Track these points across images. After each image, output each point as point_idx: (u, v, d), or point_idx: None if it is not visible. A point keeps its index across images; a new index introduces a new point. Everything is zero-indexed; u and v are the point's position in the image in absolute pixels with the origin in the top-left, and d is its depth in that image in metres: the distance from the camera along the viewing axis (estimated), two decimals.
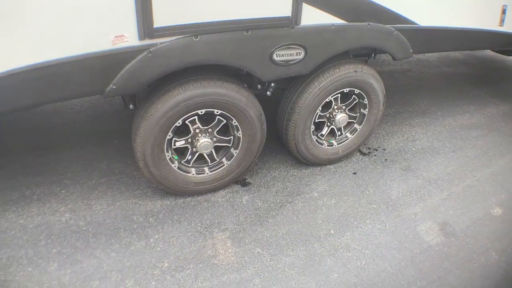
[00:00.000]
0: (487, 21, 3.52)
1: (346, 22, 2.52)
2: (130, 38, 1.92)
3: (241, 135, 2.61)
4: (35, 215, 2.50)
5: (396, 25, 2.75)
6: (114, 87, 1.99)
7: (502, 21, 3.67)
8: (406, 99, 4.38)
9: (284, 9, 2.25)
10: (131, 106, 2.45)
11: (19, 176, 2.81)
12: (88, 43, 1.86)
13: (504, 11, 3.65)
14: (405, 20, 2.79)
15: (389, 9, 2.67)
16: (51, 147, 3.15)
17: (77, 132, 3.39)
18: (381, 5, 2.61)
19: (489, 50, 5.51)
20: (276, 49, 2.35)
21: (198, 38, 2.07)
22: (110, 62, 1.93)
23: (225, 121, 2.55)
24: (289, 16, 2.28)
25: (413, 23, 2.84)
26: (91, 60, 1.89)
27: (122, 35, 1.91)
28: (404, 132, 3.79)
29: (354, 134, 3.17)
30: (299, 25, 2.34)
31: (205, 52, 2.14)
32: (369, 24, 2.61)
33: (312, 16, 2.37)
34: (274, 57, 2.37)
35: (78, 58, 1.86)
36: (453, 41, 3.33)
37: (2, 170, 2.87)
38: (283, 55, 2.40)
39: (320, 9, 2.39)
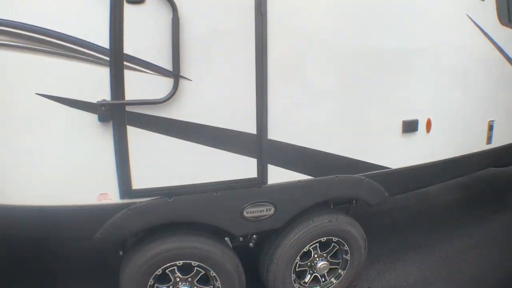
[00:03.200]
0: (472, 144, 3.60)
1: (313, 177, 2.64)
2: (113, 196, 2.16)
3: (220, 286, 2.59)
4: None
5: (367, 173, 2.82)
6: (100, 236, 2.18)
7: (489, 139, 3.72)
8: (403, 236, 4.29)
9: (250, 172, 2.44)
10: (120, 252, 2.58)
11: None
12: (78, 196, 2.12)
13: (491, 128, 3.74)
14: (376, 167, 2.90)
15: (358, 160, 2.82)
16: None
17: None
18: (349, 157, 2.76)
19: None
20: (246, 207, 2.49)
21: (172, 199, 2.28)
22: (96, 214, 2.16)
23: (203, 272, 2.56)
24: (256, 177, 2.45)
25: (385, 167, 2.94)
26: (81, 211, 2.12)
27: (106, 193, 2.16)
28: (397, 269, 3.61)
29: (339, 279, 3.07)
30: (266, 184, 2.50)
31: (179, 211, 2.33)
32: (336, 177, 2.72)
33: (279, 175, 2.53)
34: (245, 214, 2.50)
35: (71, 208, 2.10)
36: (436, 175, 3.39)
37: None
38: (253, 212, 2.52)
39: (286, 168, 2.57)
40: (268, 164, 2.47)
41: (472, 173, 3.98)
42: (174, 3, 2.09)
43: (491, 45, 3.61)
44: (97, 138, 2.07)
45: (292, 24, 2.41)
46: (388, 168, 2.97)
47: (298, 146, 2.56)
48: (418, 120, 3.05)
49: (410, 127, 3.01)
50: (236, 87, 2.30)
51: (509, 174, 5.81)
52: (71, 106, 2.00)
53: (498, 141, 3.85)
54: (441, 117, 3.22)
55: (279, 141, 2.48)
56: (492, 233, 4.14)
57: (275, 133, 2.44)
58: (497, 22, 3.72)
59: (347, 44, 2.61)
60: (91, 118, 2.03)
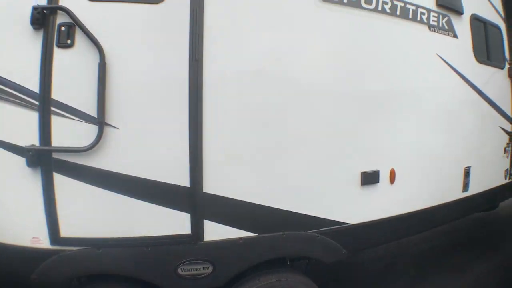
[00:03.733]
0: (446, 192, 3.35)
1: (257, 234, 2.41)
2: (44, 241, 2.12)
3: None
4: None
5: (320, 230, 2.60)
6: (35, 276, 2.12)
7: (466, 186, 3.47)
8: None
9: (184, 228, 2.24)
10: None
11: None
12: (15, 236, 2.10)
13: (467, 174, 3.48)
14: (331, 222, 2.64)
15: (309, 215, 2.56)
16: None
17: None
18: (298, 213, 2.53)
19: None
20: (180, 264, 2.29)
21: (101, 250, 2.16)
22: (30, 256, 2.12)
23: None
24: (190, 234, 2.25)
25: (342, 223, 2.71)
26: (17, 250, 2.10)
27: (38, 238, 2.12)
28: None
29: None
30: (202, 241, 2.28)
31: (108, 263, 2.19)
32: (284, 234, 2.47)
33: (217, 232, 2.32)
34: (180, 271, 2.30)
35: (9, 246, 2.10)
36: (405, 227, 3.12)
37: None
38: (189, 270, 2.31)
39: (225, 224, 2.34)
40: (204, 220, 2.27)
41: (448, 222, 3.70)
42: (102, 48, 2.04)
43: (466, 85, 3.42)
44: (28, 182, 2.06)
45: (232, 70, 2.29)
46: (346, 223, 2.70)
47: (239, 200, 2.34)
48: (379, 171, 2.84)
49: (370, 179, 2.77)
50: (167, 136, 2.18)
51: (493, 219, 5.49)
52: (4, 148, 2.04)
53: (476, 188, 3.60)
54: (408, 167, 3.02)
55: (217, 195, 2.29)
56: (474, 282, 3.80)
57: (212, 186, 2.26)
58: (474, 60, 3.53)
59: (290, 91, 2.46)
60: (23, 161, 2.03)
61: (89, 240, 2.13)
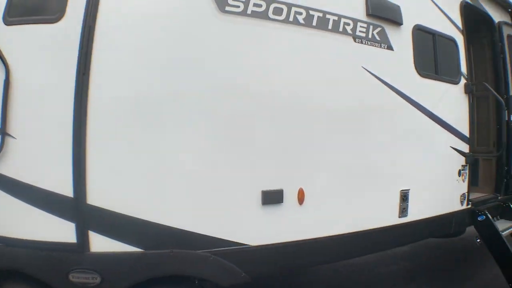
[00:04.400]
0: (375, 217, 3.06)
1: (143, 250, 2.32)
2: None
3: None
4: None
5: (214, 250, 2.41)
6: None
7: (403, 211, 3.16)
8: None
9: (71, 236, 2.24)
10: None
11: None
12: None
13: (405, 198, 3.17)
14: (227, 243, 2.44)
15: (201, 234, 2.39)
16: None
17: None
18: (189, 230, 2.37)
19: None
20: (71, 271, 2.27)
21: (9, 248, 2.28)
22: None
23: None
24: (76, 243, 2.25)
25: (240, 244, 2.49)
26: None
27: None
28: None
29: None
30: (89, 251, 2.26)
31: (11, 261, 2.30)
32: (172, 251, 2.34)
33: (104, 244, 2.27)
34: (71, 278, 2.29)
35: None
36: (320, 253, 2.85)
37: None
38: (79, 278, 2.29)
39: (111, 237, 2.28)
40: (89, 231, 2.24)
41: (380, 251, 3.39)
42: (9, 66, 2.23)
43: (402, 100, 3.15)
44: None
45: (118, 89, 2.29)
46: (245, 245, 2.50)
47: (124, 214, 2.27)
48: (283, 190, 2.61)
49: (272, 198, 2.56)
50: (54, 147, 2.25)
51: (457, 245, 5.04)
52: None
53: (419, 214, 3.27)
54: (322, 187, 2.78)
55: (102, 208, 2.25)
56: None
57: (96, 199, 2.24)
58: (415, 74, 3.26)
59: (174, 104, 2.35)
60: None
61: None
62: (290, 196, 2.63)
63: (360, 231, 2.95)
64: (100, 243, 2.25)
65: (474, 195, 4.31)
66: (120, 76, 2.29)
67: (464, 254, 4.93)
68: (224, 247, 2.43)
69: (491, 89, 3.81)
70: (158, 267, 2.36)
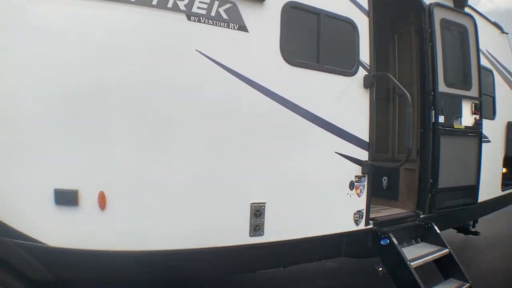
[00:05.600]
0: (212, 234, 2.50)
1: None
2: None
3: None
4: None
5: (17, 241, 2.14)
6: None
7: (257, 230, 2.59)
8: None
9: None
10: None
11: None
12: None
13: (258, 214, 2.58)
14: (25, 237, 2.15)
15: (6, 223, 2.12)
16: None
17: None
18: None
19: None
20: None
21: None
22: None
23: None
24: None
25: (38, 241, 2.15)
26: None
27: None
28: None
29: None
30: None
31: None
32: None
33: None
34: None
35: None
36: (131, 267, 2.33)
37: None
38: None
39: None
40: None
41: (227, 273, 2.78)
42: None
43: (256, 93, 2.50)
44: None
45: None
46: (42, 243, 2.17)
47: None
48: (77, 191, 2.16)
49: (64, 198, 2.16)
50: None
51: None
52: None
53: (281, 233, 2.63)
54: (132, 192, 2.27)
55: None
56: None
57: None
58: (281, 61, 2.62)
59: None
60: None
61: None
62: (88, 199, 2.17)
63: (193, 249, 2.37)
64: None
65: (389, 212, 3.61)
66: None
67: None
68: (25, 241, 2.16)
69: (395, 80, 3.07)
70: None
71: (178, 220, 2.36)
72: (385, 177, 3.97)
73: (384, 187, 3.98)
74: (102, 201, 2.19)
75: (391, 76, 3.01)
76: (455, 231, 5.09)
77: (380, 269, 3.09)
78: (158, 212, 2.32)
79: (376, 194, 4.12)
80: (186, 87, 2.36)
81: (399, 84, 3.00)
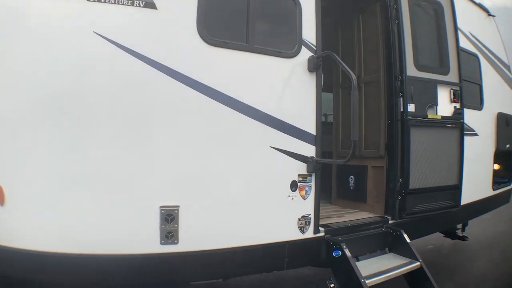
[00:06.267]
0: (124, 240, 2.13)
1: None
2: None
3: None
4: None
5: None
6: None
7: (169, 236, 2.17)
8: None
9: None
10: None
11: None
12: None
13: (170, 219, 2.16)
14: None
15: None
16: None
17: None
18: None
19: None
20: None
21: None
22: None
23: None
24: None
25: None
26: None
27: None
28: None
29: None
30: None
31: None
32: None
33: None
34: None
35: None
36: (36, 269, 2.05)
37: None
38: None
39: None
40: None
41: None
42: None
43: (163, 75, 2.10)
44: None
45: None
46: None
47: None
48: None
49: None
50: None
51: None
52: None
53: (201, 242, 2.21)
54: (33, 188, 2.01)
55: None
56: None
57: None
58: (199, 40, 2.20)
59: None
60: None
61: None
62: None
63: (92, 254, 2.00)
64: None
65: (353, 216, 3.12)
66: None
67: None
68: None
69: (340, 61, 2.58)
70: None
71: (72, 220, 2.00)
72: (352, 176, 3.49)
73: (351, 188, 3.50)
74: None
75: (335, 55, 2.53)
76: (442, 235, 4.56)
77: (332, 285, 2.61)
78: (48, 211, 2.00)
79: (343, 196, 3.67)
80: (82, 74, 2.00)
81: (343, 64, 2.52)
